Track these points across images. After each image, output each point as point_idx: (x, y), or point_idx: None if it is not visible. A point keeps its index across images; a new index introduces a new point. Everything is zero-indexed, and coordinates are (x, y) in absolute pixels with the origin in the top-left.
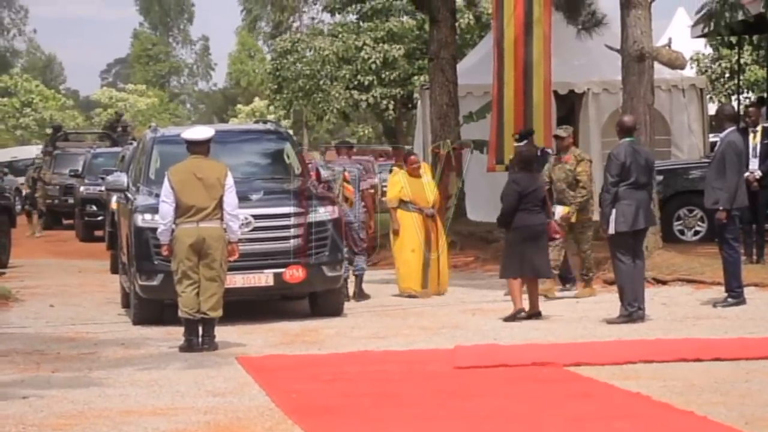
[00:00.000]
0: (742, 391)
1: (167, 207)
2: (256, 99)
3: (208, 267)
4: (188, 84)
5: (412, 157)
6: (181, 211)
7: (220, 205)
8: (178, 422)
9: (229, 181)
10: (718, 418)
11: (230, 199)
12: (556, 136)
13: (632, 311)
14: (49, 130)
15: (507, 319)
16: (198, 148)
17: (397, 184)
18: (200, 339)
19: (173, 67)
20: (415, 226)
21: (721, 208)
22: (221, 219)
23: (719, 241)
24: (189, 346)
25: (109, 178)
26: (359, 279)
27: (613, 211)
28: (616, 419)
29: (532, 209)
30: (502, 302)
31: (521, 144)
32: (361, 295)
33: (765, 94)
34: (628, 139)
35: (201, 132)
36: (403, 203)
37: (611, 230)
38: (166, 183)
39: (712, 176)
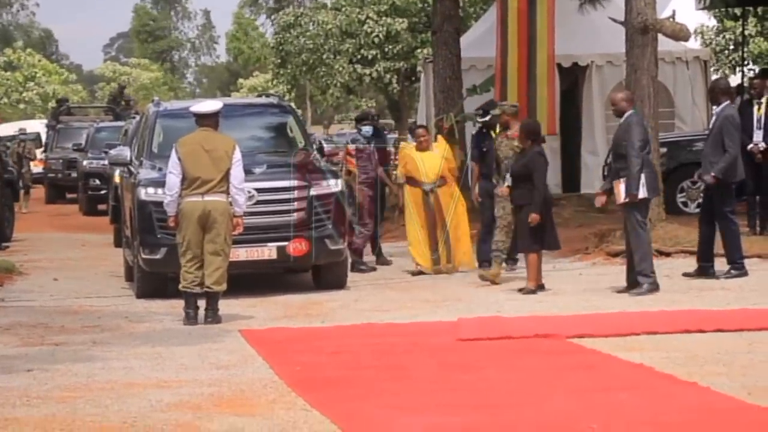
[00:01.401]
0: (745, 362)
1: (174, 178)
2: (256, 73)
3: (212, 241)
4: (189, 58)
5: (419, 130)
6: (188, 182)
7: (226, 178)
8: (182, 395)
9: (237, 154)
10: (721, 389)
11: (237, 172)
12: (504, 112)
13: (654, 278)
14: (52, 104)
15: (525, 292)
16: (206, 120)
17: (401, 159)
18: (204, 312)
19: (174, 42)
20: (418, 202)
21: (713, 174)
22: (227, 192)
23: (705, 215)
24: (187, 320)
25: (112, 151)
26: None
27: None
28: (619, 390)
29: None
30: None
31: (486, 119)
32: (362, 268)
33: None
34: (633, 110)
35: (209, 105)
36: (409, 179)
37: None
38: (173, 154)
39: (708, 151)
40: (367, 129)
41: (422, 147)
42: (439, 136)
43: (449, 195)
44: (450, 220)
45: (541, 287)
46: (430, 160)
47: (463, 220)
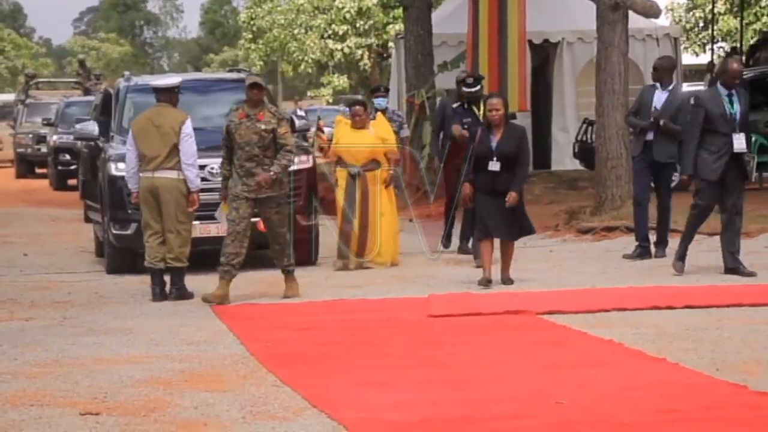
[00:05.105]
0: (714, 338)
1: (130, 155)
2: (225, 48)
3: (167, 218)
4: (159, 33)
5: (356, 107)
6: (141, 159)
7: (174, 154)
8: (152, 370)
9: (186, 129)
10: (690, 365)
11: (186, 148)
12: (256, 85)
13: None
14: (22, 79)
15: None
16: (163, 96)
17: (334, 136)
18: (169, 289)
19: (150, 16)
20: (342, 185)
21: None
22: (177, 168)
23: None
24: (153, 296)
25: (79, 126)
26: None
27: None
28: (589, 366)
29: None
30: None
31: (477, 89)
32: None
33: (738, 44)
34: None
35: (165, 79)
36: (339, 158)
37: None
38: (130, 132)
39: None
40: (380, 101)
41: (357, 125)
42: (379, 115)
43: (380, 181)
44: (372, 210)
45: (489, 281)
46: (362, 140)
47: (389, 211)
